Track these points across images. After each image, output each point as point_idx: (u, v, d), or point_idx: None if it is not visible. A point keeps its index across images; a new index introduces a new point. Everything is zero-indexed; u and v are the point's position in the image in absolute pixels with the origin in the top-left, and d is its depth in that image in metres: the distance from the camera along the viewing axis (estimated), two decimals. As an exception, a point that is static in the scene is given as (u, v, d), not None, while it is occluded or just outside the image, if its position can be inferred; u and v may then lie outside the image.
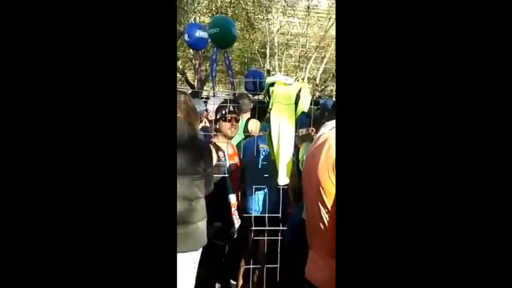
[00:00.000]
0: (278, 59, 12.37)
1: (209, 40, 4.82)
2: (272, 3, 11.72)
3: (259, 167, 2.23)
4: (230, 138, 2.31)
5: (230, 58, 5.50)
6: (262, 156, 2.27)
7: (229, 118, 2.25)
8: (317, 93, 11.23)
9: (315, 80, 12.92)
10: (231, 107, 2.27)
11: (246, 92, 4.10)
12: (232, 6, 10.75)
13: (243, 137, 2.56)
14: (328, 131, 1.52)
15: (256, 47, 12.23)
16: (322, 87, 13.18)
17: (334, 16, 11.80)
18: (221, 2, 10.76)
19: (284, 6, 12.09)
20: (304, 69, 12.58)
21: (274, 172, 1.96)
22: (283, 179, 1.95)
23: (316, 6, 12.47)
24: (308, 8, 12.34)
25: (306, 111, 2.17)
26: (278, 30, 12.41)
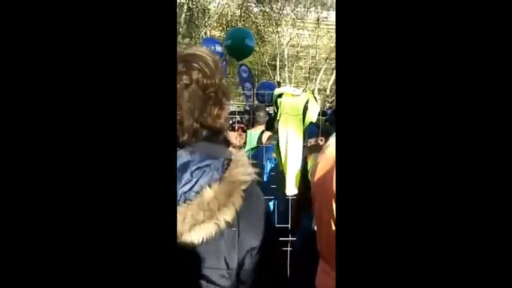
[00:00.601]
0: (288, 70, 12.43)
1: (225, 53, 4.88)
2: (282, 16, 11.82)
3: (268, 177, 2.24)
4: (238, 147, 2.33)
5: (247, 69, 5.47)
6: (270, 166, 2.28)
7: (237, 128, 2.29)
8: (327, 104, 11.22)
9: (325, 91, 12.93)
10: (239, 117, 2.31)
11: (260, 104, 4.13)
12: (242, 19, 10.88)
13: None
14: None
15: (267, 60, 12.32)
16: (333, 98, 13.17)
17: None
18: (231, 16, 10.90)
19: (294, 18, 12.19)
20: (314, 80, 12.61)
21: (283, 182, 1.97)
22: (291, 189, 1.96)
23: (326, 18, 12.53)
24: (318, 19, 12.42)
25: (314, 121, 2.19)
26: (288, 42, 12.49)
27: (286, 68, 12.33)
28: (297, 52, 12.90)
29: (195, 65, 0.88)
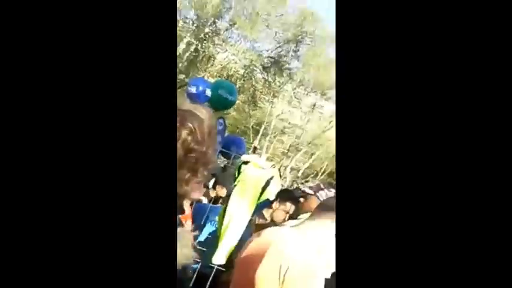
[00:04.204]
0: (269, 140, 12.63)
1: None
2: (281, 89, 12.24)
3: (202, 238, 2.13)
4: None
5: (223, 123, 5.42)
6: (210, 229, 2.18)
7: None
8: (295, 185, 11.31)
9: (298, 171, 13.09)
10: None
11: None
12: (243, 79, 11.20)
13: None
14: (281, 228, 1.47)
15: (252, 123, 12.55)
16: (303, 181, 13.32)
17: (334, 121, 12.34)
18: (234, 72, 11.23)
19: (291, 96, 12.63)
20: (291, 158, 12.80)
21: (214, 249, 1.87)
22: (219, 259, 1.85)
23: (322, 106, 13.04)
24: (314, 105, 12.89)
25: (270, 199, 2.14)
26: (278, 115, 12.83)
27: (268, 137, 12.54)
28: (284, 127, 13.22)
29: (189, 124, 0.85)
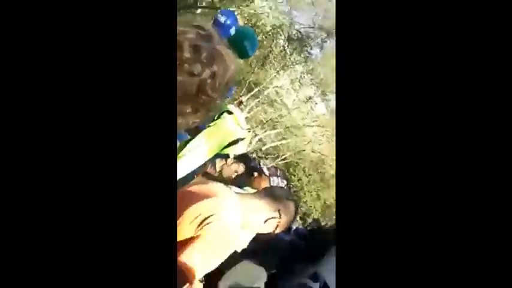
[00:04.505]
0: (256, 103, 12.57)
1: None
2: (292, 67, 12.07)
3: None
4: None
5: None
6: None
7: None
8: (254, 155, 11.42)
9: (263, 145, 13.18)
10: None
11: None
12: (265, 35, 10.93)
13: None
14: (228, 188, 1.50)
15: (250, 79, 12.37)
16: (262, 155, 13.44)
17: (317, 123, 12.42)
18: (262, 24, 10.94)
19: (297, 78, 12.49)
20: (264, 130, 12.83)
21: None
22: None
23: (316, 104, 12.98)
24: (309, 98, 12.81)
25: (229, 156, 2.17)
26: (276, 87, 12.71)
27: (256, 100, 12.47)
28: (274, 100, 13.15)
29: (214, 67, 0.80)
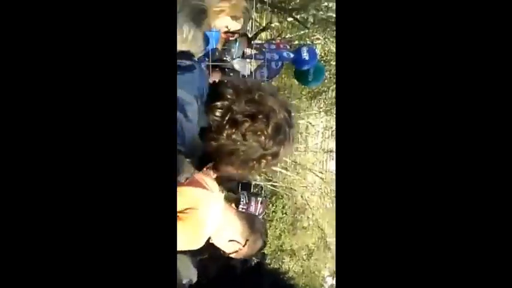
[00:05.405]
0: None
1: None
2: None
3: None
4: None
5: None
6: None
7: None
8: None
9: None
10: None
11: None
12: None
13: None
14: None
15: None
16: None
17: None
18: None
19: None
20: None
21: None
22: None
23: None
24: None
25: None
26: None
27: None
28: (299, 133, 13.09)
29: (281, 148, 0.82)
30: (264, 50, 3.62)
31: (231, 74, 2.85)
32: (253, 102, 0.84)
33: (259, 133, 0.82)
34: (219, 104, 0.85)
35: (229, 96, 0.85)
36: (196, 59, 0.90)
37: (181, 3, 1.74)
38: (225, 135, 0.84)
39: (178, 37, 1.50)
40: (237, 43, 3.24)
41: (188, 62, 0.88)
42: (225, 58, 3.16)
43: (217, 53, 3.05)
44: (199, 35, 1.57)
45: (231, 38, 2.65)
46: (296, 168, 12.89)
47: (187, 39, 1.59)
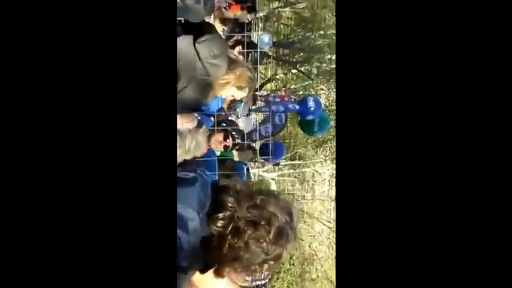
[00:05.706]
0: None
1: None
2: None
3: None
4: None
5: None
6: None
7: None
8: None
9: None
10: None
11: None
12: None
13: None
14: None
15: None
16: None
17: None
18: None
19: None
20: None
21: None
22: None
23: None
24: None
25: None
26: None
27: (291, 170, 12.44)
28: (305, 181, 13.04)
29: (283, 250, 0.88)
30: (269, 102, 3.70)
31: (234, 133, 2.91)
32: (255, 208, 0.87)
33: (261, 240, 0.84)
34: (221, 215, 0.88)
35: (230, 205, 0.88)
36: (199, 171, 0.93)
37: (187, 78, 1.82)
38: (227, 245, 0.86)
39: (181, 150, 1.57)
40: (242, 103, 3.34)
41: (191, 175, 0.91)
42: (230, 118, 3.25)
43: (223, 113, 3.16)
44: (201, 139, 1.66)
45: (236, 99, 2.74)
46: (303, 217, 12.70)
47: (190, 149, 1.65)
